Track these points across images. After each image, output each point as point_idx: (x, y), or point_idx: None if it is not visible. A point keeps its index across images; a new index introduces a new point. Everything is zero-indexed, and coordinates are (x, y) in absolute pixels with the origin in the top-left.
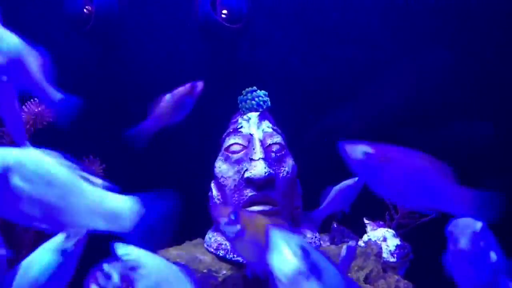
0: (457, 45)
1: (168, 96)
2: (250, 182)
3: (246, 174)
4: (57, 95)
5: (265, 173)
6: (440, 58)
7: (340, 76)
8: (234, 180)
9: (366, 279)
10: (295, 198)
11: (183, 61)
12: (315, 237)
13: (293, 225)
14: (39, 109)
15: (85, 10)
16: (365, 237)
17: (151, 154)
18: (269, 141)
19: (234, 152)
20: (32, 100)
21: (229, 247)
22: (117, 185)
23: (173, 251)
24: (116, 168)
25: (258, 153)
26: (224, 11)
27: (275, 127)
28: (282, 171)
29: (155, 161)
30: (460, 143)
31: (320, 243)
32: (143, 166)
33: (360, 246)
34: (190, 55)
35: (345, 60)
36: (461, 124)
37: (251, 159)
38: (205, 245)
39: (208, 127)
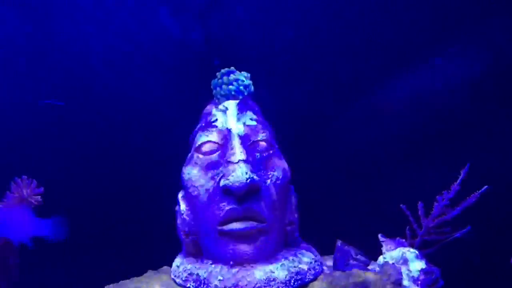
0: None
1: None
2: (227, 192)
3: (223, 182)
4: None
5: (246, 179)
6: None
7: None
8: (207, 189)
9: None
10: (289, 210)
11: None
12: (315, 261)
13: (287, 246)
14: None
15: None
16: (380, 259)
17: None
18: (252, 138)
19: (206, 154)
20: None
21: (201, 278)
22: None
23: (130, 285)
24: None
25: (238, 153)
26: None
27: (261, 120)
28: (270, 176)
29: (109, 166)
30: None
31: (322, 268)
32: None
33: (373, 271)
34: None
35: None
36: None
37: (229, 162)
38: (172, 275)
39: (174, 121)
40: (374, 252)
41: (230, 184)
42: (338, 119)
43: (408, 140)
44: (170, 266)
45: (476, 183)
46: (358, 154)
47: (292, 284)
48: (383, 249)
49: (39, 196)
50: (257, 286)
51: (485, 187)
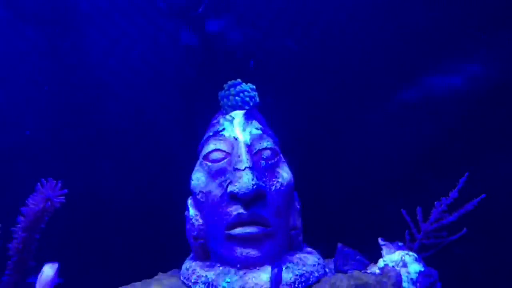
0: None
1: None
2: (234, 197)
3: (230, 188)
4: None
5: (252, 185)
6: None
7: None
8: (215, 195)
9: None
10: (292, 216)
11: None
12: (318, 263)
13: (291, 250)
14: (51, 191)
15: None
16: (380, 263)
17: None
18: (257, 146)
19: (214, 161)
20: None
21: (210, 280)
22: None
23: (141, 287)
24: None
25: (244, 161)
26: None
27: (265, 129)
28: (274, 183)
29: (121, 173)
30: None
31: (325, 270)
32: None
33: (374, 274)
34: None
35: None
36: None
37: (236, 169)
38: (181, 278)
39: (184, 130)
40: (375, 255)
41: (237, 190)
42: (340, 127)
43: (413, 149)
44: (180, 269)
45: (476, 191)
46: (360, 162)
47: (297, 285)
48: (383, 252)
49: (63, 197)
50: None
51: (483, 195)
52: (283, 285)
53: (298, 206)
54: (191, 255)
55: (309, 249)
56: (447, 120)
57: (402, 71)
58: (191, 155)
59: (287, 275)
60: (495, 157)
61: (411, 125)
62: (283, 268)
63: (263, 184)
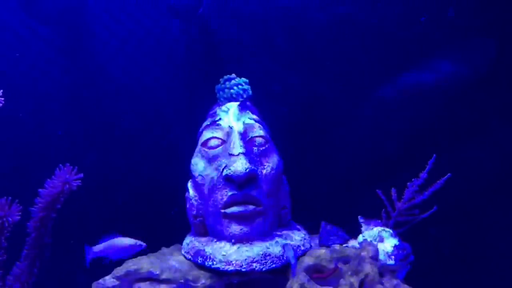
0: None
1: None
2: (229, 180)
3: (225, 172)
4: None
5: (245, 169)
6: None
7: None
8: (212, 178)
9: (361, 285)
10: (282, 196)
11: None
12: (304, 239)
13: (281, 227)
14: (69, 176)
15: None
16: (359, 238)
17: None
18: (250, 134)
19: (211, 148)
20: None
21: (208, 254)
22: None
23: (146, 259)
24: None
25: (238, 147)
26: None
27: (258, 119)
28: (265, 167)
29: (128, 159)
30: None
31: (311, 245)
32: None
33: (354, 247)
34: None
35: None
36: None
37: (230, 155)
38: (183, 252)
39: (185, 120)
40: (356, 232)
41: (232, 173)
42: (325, 121)
43: (392, 137)
44: (181, 244)
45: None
46: (343, 151)
47: (285, 258)
48: (362, 229)
49: (79, 181)
50: (254, 260)
51: (448, 175)
52: (272, 257)
53: (287, 188)
54: (191, 232)
55: (297, 226)
56: (419, 114)
57: (379, 69)
58: (193, 143)
59: (276, 248)
60: (463, 146)
61: (388, 116)
62: (282, 239)
63: (255, 168)
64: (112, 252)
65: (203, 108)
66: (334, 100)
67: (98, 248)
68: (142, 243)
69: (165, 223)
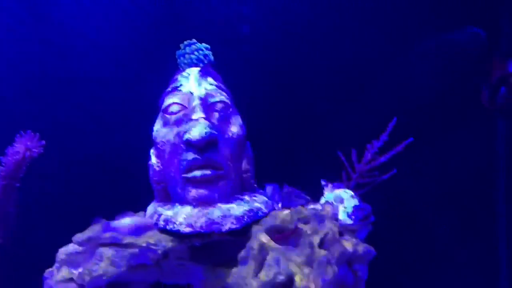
0: None
1: None
2: (189, 144)
3: (186, 136)
4: None
5: (205, 133)
6: None
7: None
8: (174, 144)
9: (321, 244)
10: (245, 161)
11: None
12: (267, 202)
13: (244, 191)
14: (30, 142)
15: None
16: (322, 200)
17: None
18: (211, 100)
19: (172, 113)
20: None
21: (169, 217)
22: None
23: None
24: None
25: (198, 112)
26: None
27: (219, 84)
28: (227, 131)
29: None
30: None
31: (274, 208)
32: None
33: (314, 209)
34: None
35: None
36: None
37: (191, 119)
38: (146, 217)
39: (148, 89)
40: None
41: (191, 137)
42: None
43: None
44: (145, 211)
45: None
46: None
47: (245, 220)
48: (325, 191)
49: (41, 147)
50: (215, 221)
51: (410, 139)
52: (232, 218)
53: (250, 153)
54: (155, 198)
55: (260, 191)
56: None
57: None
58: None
59: (237, 210)
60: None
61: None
62: (243, 202)
63: (216, 133)
64: None
65: (166, 74)
66: (298, 65)
67: None
68: None
69: (132, 193)
